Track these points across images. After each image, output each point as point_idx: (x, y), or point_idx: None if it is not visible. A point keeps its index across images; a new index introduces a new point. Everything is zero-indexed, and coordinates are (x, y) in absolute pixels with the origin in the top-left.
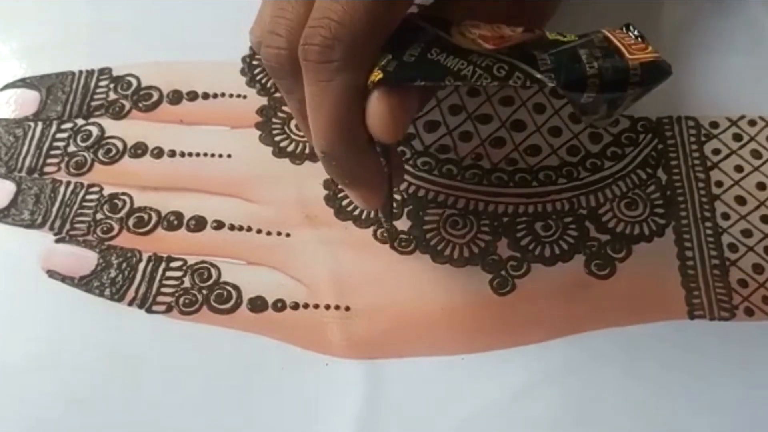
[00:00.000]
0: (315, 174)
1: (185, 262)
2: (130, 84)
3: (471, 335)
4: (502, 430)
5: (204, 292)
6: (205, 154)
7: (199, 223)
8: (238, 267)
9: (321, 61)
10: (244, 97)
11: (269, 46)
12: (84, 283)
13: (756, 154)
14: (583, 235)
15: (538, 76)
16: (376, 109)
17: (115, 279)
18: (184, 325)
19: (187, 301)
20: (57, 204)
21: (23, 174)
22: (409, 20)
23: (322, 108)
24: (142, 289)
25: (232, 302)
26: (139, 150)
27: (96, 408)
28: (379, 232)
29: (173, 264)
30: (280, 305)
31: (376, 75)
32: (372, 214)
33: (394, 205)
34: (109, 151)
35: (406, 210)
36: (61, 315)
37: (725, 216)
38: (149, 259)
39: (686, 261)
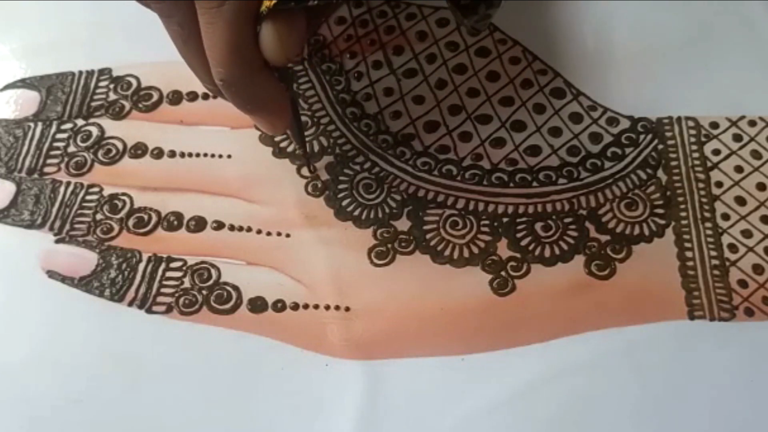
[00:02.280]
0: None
1: (185, 262)
2: (130, 84)
3: (471, 336)
4: (501, 430)
5: (204, 292)
6: (205, 155)
7: (199, 224)
8: (238, 267)
9: None
10: None
11: None
12: (84, 283)
13: (756, 154)
14: (583, 235)
15: None
16: (269, 31)
17: (115, 279)
18: (184, 326)
19: (187, 301)
20: (57, 204)
21: (23, 174)
22: None
23: (216, 33)
24: (142, 290)
25: (232, 302)
26: (139, 150)
27: (96, 408)
28: (379, 233)
29: (173, 264)
30: (280, 305)
31: (267, 3)
32: (373, 215)
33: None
34: (109, 151)
35: (406, 210)
36: (61, 315)
37: (725, 216)
38: (149, 260)
39: (686, 261)
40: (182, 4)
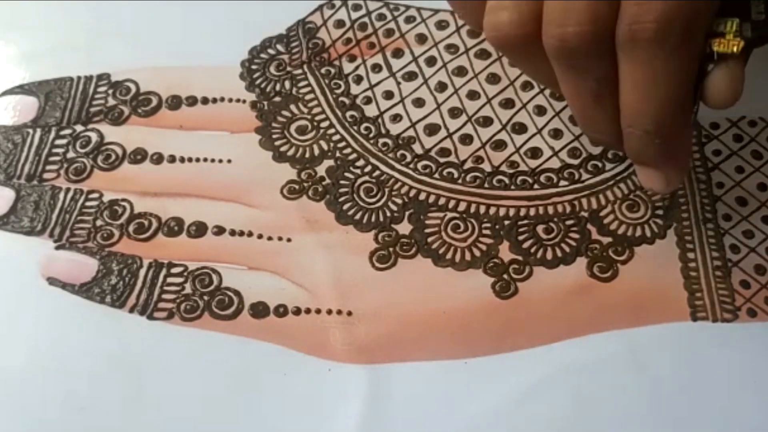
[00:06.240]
0: None
1: (186, 268)
2: (129, 89)
3: (473, 339)
4: None
5: (205, 298)
6: (205, 160)
7: (199, 229)
8: (239, 272)
9: (657, 41)
10: (244, 101)
11: (566, 24)
12: (84, 290)
13: (756, 154)
14: (584, 237)
15: None
16: (726, 76)
17: (115, 286)
18: (186, 332)
19: (188, 307)
20: (57, 211)
21: (22, 181)
22: None
23: (656, 87)
24: (143, 296)
25: (233, 308)
26: (138, 156)
27: (97, 415)
28: (380, 237)
29: (174, 270)
30: (281, 310)
31: (735, 43)
32: (374, 219)
33: None
34: (108, 157)
35: (407, 213)
36: (62, 322)
37: (727, 217)
38: (150, 266)
39: (688, 263)
40: (606, 58)
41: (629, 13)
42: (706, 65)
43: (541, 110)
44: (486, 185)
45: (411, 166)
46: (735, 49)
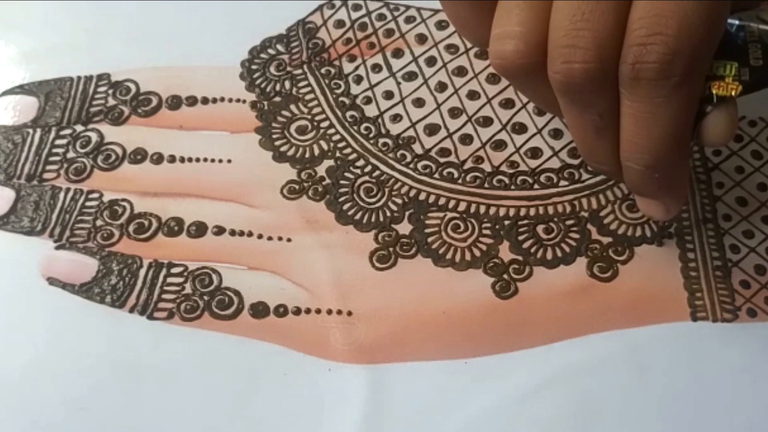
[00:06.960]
0: None
1: (186, 268)
2: (128, 89)
3: (474, 339)
4: None
5: (205, 298)
6: (205, 160)
7: (199, 229)
8: (239, 272)
9: (658, 80)
10: (244, 101)
11: (572, 61)
12: (85, 290)
13: (756, 155)
14: (585, 237)
15: None
16: (724, 117)
17: (115, 286)
18: (186, 332)
19: (188, 307)
20: (57, 211)
21: (22, 181)
22: None
23: (656, 125)
24: (143, 296)
25: (233, 308)
26: (138, 156)
27: (97, 415)
28: (380, 237)
29: (174, 270)
30: (281, 310)
31: (734, 87)
32: (374, 219)
33: None
34: (108, 157)
35: (407, 213)
36: (62, 322)
37: (727, 217)
38: (150, 266)
39: (688, 263)
40: (609, 93)
41: (632, 52)
42: (704, 106)
43: (541, 110)
44: (486, 185)
45: (411, 166)
46: (733, 92)
